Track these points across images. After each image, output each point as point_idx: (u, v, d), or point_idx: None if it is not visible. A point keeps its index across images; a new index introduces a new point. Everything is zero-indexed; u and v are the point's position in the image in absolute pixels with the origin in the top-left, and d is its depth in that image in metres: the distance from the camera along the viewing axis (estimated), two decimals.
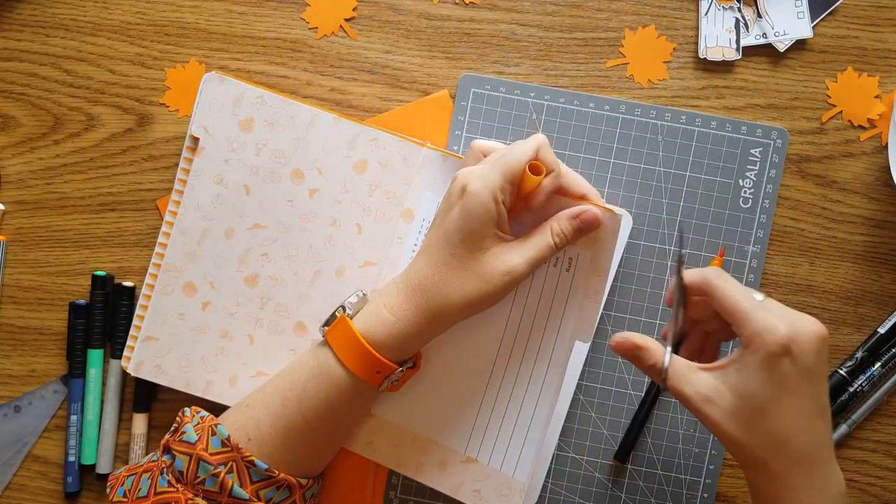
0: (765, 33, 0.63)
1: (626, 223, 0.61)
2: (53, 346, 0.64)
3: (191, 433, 0.53)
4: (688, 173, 0.62)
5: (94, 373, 0.63)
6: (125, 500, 0.52)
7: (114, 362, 0.63)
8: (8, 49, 0.64)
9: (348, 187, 0.61)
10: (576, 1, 0.63)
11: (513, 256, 0.52)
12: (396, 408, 0.59)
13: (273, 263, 0.61)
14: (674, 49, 0.63)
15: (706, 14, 0.63)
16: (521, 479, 0.58)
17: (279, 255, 0.61)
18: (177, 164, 0.62)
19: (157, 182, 0.64)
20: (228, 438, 0.52)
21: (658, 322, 0.62)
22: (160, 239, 0.61)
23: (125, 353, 0.61)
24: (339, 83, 0.63)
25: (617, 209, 0.57)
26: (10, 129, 0.64)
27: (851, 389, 0.62)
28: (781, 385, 0.46)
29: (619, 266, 0.61)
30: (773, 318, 0.47)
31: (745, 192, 0.62)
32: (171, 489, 0.51)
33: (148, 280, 0.61)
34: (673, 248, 0.62)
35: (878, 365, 0.62)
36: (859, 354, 0.62)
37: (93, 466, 0.63)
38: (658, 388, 0.61)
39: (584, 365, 0.62)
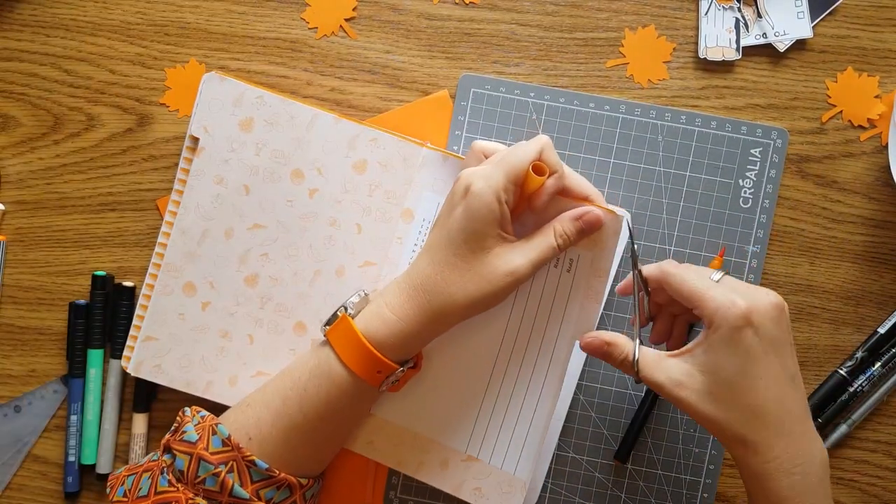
0: (765, 33, 0.63)
1: (626, 224, 0.61)
2: (53, 346, 0.64)
3: (191, 432, 0.53)
4: (688, 173, 0.62)
5: (94, 373, 0.63)
6: (125, 499, 0.52)
7: (114, 362, 0.63)
8: (8, 49, 0.64)
9: (348, 187, 0.61)
10: (576, 1, 0.63)
11: (516, 257, 0.52)
12: (397, 407, 0.59)
13: (273, 263, 0.61)
14: (674, 49, 0.63)
15: (706, 14, 0.63)
16: (522, 477, 0.58)
17: (279, 255, 0.61)
18: (177, 164, 0.62)
19: (157, 182, 0.63)
20: (229, 438, 0.52)
21: None
22: (160, 239, 0.61)
23: (125, 352, 0.61)
24: (339, 83, 0.63)
25: (618, 210, 0.57)
26: (10, 129, 0.64)
27: (851, 389, 0.62)
28: (748, 356, 0.47)
29: (619, 266, 0.61)
30: (731, 294, 0.48)
31: (745, 192, 0.62)
32: (172, 489, 0.51)
33: (148, 280, 0.61)
34: (629, 241, 0.61)
35: (878, 365, 0.62)
36: (859, 354, 0.62)
37: (93, 466, 0.63)
38: None
39: (584, 365, 0.62)
